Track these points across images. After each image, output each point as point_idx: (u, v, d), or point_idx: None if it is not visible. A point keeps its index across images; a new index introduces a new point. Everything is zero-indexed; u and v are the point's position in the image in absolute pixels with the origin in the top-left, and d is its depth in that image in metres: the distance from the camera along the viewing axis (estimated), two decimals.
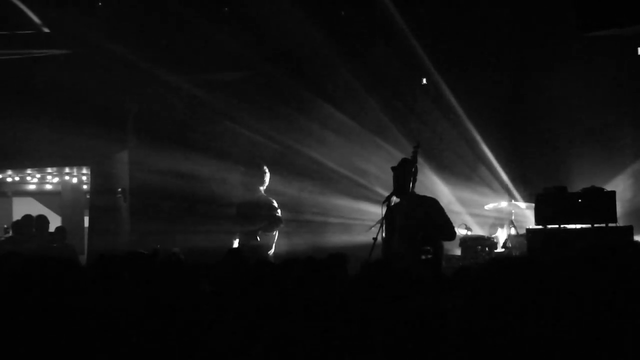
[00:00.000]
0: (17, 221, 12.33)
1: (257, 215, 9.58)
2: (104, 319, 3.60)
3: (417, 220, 7.42)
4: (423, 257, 7.22)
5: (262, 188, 9.79)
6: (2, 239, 12.35)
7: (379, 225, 7.40)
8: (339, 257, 4.09)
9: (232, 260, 5.70)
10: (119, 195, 12.74)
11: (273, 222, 9.54)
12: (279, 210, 9.65)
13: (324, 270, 3.81)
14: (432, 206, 7.66)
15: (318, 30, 11.35)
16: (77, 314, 3.53)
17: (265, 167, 9.86)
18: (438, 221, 7.53)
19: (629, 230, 8.67)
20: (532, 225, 9.26)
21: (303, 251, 9.67)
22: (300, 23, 11.14)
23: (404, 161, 7.71)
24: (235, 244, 9.50)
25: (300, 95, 11.93)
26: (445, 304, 2.59)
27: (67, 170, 17.65)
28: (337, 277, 3.79)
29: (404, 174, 7.58)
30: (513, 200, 10.90)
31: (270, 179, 9.94)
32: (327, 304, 3.40)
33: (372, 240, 7.27)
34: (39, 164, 16.16)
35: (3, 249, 10.55)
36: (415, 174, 7.62)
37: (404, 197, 7.57)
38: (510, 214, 10.62)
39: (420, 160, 7.81)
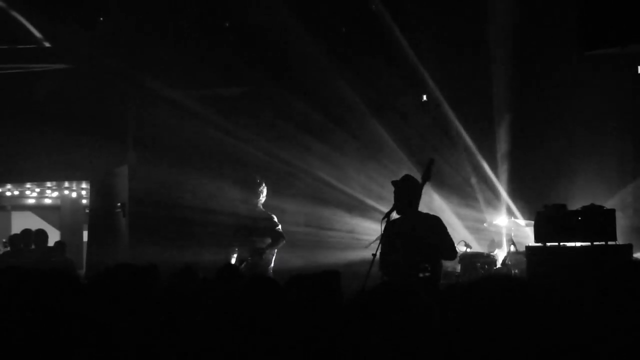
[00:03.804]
0: (15, 235, 12.31)
1: (257, 230, 9.54)
2: (104, 334, 3.58)
3: (418, 238, 7.29)
4: (421, 274, 7.13)
5: (259, 202, 9.72)
6: (1, 253, 12.34)
7: (378, 241, 7.30)
8: (332, 274, 4.06)
9: (227, 276, 5.68)
10: (118, 210, 12.72)
11: (276, 239, 9.48)
12: (279, 226, 9.60)
13: (319, 287, 3.80)
14: (435, 225, 7.43)
15: (318, 46, 11.38)
16: (76, 328, 3.52)
17: (260, 181, 9.79)
18: (440, 240, 7.39)
19: (628, 249, 8.64)
20: (531, 242, 9.22)
21: (302, 267, 9.65)
22: (300, 38, 11.17)
23: (406, 177, 7.60)
24: (233, 259, 9.45)
25: (300, 110, 11.94)
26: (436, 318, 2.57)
27: (66, 184, 17.67)
28: (331, 294, 3.77)
29: (407, 190, 7.44)
30: (513, 218, 10.90)
31: (269, 194, 9.89)
32: (322, 321, 3.38)
33: (371, 256, 7.19)
34: (39, 178, 16.16)
35: (2, 263, 10.54)
36: (420, 190, 7.45)
37: (406, 213, 7.46)
38: (510, 231, 10.61)
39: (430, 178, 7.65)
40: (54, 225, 18.63)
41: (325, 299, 3.77)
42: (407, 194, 7.40)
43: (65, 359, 3.41)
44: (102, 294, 3.96)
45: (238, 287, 4.52)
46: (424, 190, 7.44)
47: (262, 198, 9.75)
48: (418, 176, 7.56)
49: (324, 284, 3.83)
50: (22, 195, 19.01)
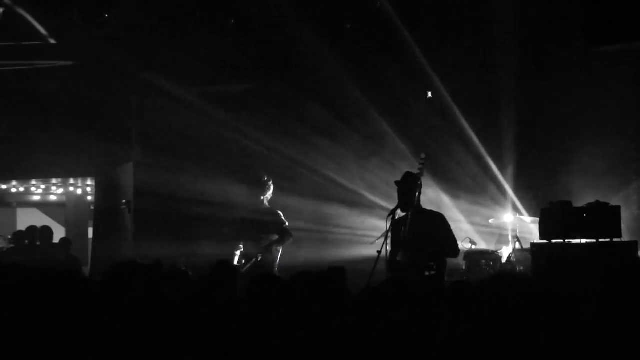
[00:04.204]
0: (20, 231, 12.32)
1: (263, 226, 9.52)
2: (109, 332, 3.58)
3: (423, 235, 7.31)
4: (427, 272, 7.14)
5: (264, 199, 9.71)
6: (5, 249, 12.36)
7: (383, 238, 7.32)
8: (338, 270, 4.07)
9: (221, 272, 5.68)
10: (123, 206, 12.71)
11: (283, 235, 9.46)
12: (287, 223, 9.58)
13: (324, 283, 3.80)
14: (439, 222, 7.52)
15: (323, 43, 11.36)
16: (80, 327, 3.52)
17: (266, 178, 9.78)
18: (443, 238, 7.42)
19: (633, 246, 8.63)
20: (536, 239, 9.22)
21: (307, 264, 9.64)
22: (305, 35, 11.16)
23: (408, 175, 7.62)
24: (237, 256, 9.43)
25: (305, 107, 11.94)
26: (438, 318, 2.57)
27: (71, 181, 17.67)
28: (337, 291, 3.77)
29: (409, 188, 7.47)
30: (518, 215, 10.88)
31: (274, 191, 9.87)
32: (326, 318, 3.38)
33: (376, 254, 7.21)
34: (44, 175, 16.16)
35: (6, 260, 10.55)
36: (420, 186, 7.53)
37: (410, 211, 7.46)
38: (515, 228, 10.59)
39: (425, 173, 7.70)
40: (59, 222, 18.63)
41: (330, 296, 3.77)
42: (409, 191, 7.43)
43: (70, 355, 3.41)
44: (108, 292, 3.96)
45: (236, 284, 4.52)
46: (429, 187, 7.46)
47: (269, 195, 9.74)
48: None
49: (330, 280, 3.83)
50: (28, 192, 19.03)
